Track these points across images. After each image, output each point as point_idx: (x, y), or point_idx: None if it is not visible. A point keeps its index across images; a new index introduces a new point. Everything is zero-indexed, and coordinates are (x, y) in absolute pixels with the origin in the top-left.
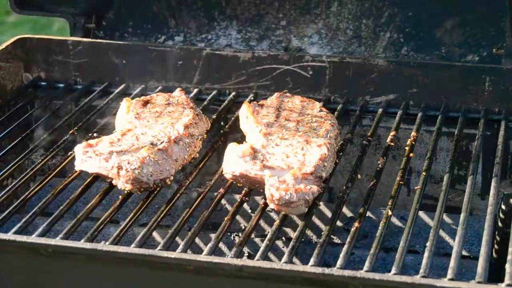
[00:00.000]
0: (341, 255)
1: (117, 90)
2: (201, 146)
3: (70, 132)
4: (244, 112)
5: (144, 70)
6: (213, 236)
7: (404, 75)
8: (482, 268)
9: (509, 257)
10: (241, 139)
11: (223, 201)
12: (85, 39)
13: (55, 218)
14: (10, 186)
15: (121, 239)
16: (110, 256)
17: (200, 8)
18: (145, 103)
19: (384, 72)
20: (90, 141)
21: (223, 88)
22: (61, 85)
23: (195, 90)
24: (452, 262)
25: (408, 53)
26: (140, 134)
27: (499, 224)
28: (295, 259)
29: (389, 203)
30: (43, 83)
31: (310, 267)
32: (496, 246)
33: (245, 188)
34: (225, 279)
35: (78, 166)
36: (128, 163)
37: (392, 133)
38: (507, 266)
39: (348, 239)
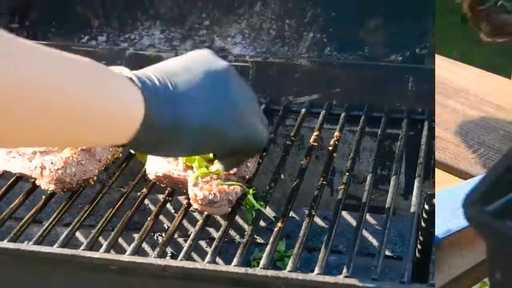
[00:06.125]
0: (264, 255)
1: None
2: None
3: None
4: None
5: None
6: (136, 236)
7: (327, 75)
8: (405, 268)
9: (432, 257)
10: None
11: (146, 201)
12: None
13: None
14: None
15: (44, 239)
16: (34, 256)
17: (123, 8)
18: None
19: (307, 72)
20: None
21: None
22: None
23: None
24: (376, 262)
25: (331, 53)
26: None
27: (422, 224)
28: (218, 259)
29: (312, 203)
30: None
31: (233, 267)
32: (419, 246)
33: (168, 188)
34: (148, 279)
35: (2, 166)
36: (52, 163)
37: (315, 133)
38: (430, 266)
39: (271, 239)
